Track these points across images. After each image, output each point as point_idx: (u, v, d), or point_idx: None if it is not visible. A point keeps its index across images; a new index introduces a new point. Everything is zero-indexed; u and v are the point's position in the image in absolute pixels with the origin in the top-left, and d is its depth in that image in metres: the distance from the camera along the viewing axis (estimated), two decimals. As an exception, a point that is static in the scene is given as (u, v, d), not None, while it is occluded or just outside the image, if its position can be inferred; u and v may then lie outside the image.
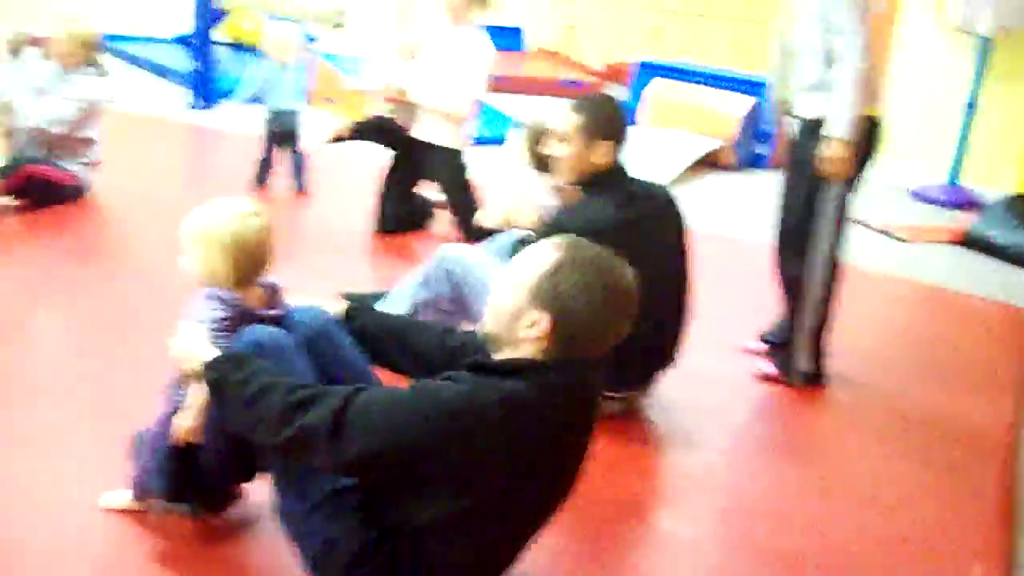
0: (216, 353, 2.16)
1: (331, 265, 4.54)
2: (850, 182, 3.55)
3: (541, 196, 3.65)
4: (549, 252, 2.00)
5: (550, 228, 3.17)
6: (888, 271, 5.52)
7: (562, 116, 3.18)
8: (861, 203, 6.42)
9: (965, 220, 6.28)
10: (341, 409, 1.93)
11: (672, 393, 3.46)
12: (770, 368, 3.80)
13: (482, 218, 3.85)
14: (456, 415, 1.88)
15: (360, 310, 2.51)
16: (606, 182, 3.16)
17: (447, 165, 4.95)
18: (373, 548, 2.04)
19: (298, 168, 5.64)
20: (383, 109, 5.03)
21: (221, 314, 2.27)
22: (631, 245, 3.07)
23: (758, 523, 2.88)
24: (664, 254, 3.26)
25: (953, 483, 3.22)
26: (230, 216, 2.32)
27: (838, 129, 3.44)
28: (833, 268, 3.65)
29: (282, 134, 5.60)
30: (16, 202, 4.74)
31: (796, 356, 3.71)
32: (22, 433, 2.90)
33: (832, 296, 3.69)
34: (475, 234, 4.67)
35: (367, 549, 2.04)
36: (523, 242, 3.42)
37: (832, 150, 3.45)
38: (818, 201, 3.55)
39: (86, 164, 4.99)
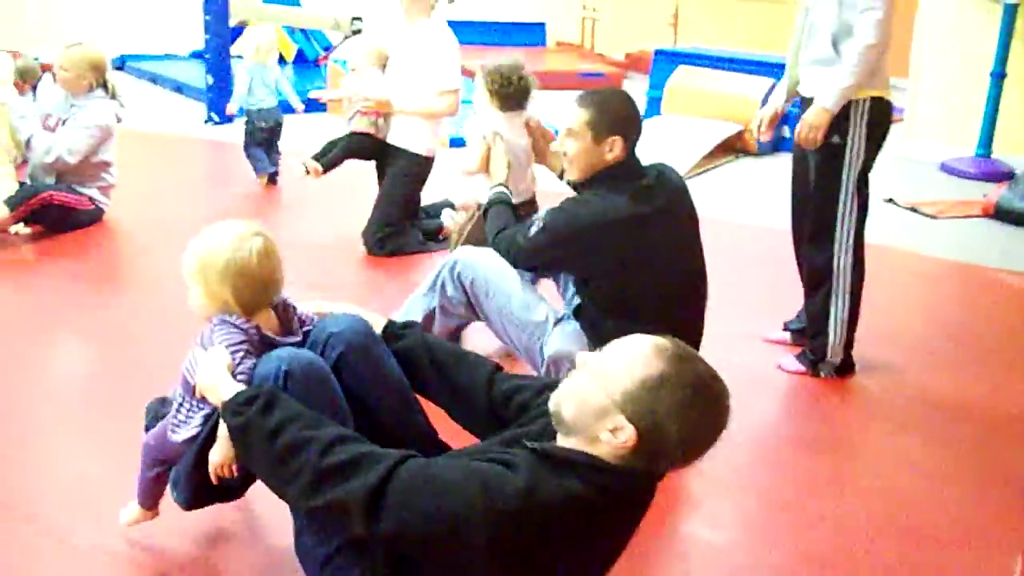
0: (238, 388, 2.02)
1: (333, 274, 4.53)
2: (865, 160, 3.45)
3: (512, 136, 3.55)
4: (653, 359, 1.77)
5: (556, 217, 3.10)
6: (917, 249, 5.39)
7: (570, 111, 3.10)
8: (889, 180, 6.37)
9: (996, 192, 6.13)
10: (382, 482, 1.77)
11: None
12: (795, 365, 3.71)
13: (460, 168, 3.73)
14: (509, 514, 1.71)
15: (405, 330, 2.36)
16: (618, 176, 3.07)
17: (402, 167, 4.84)
18: None
19: (273, 163, 5.92)
20: (364, 124, 4.90)
21: (237, 337, 2.13)
22: (646, 241, 3.05)
23: (784, 524, 2.80)
24: (682, 248, 3.18)
25: (988, 473, 3.10)
26: (226, 242, 2.15)
27: (825, 98, 3.37)
28: (858, 252, 3.56)
29: (265, 130, 5.87)
30: (28, 229, 4.77)
31: (828, 349, 3.61)
32: (36, 461, 2.90)
33: (859, 281, 3.59)
34: (377, 241, 4.79)
35: None
36: (496, 202, 3.34)
37: (812, 116, 3.39)
38: (835, 184, 3.46)
39: (102, 188, 5.00)
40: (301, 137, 6.30)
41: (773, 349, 3.87)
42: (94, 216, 4.97)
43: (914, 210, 6.13)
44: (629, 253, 3.02)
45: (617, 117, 3.06)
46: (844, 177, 3.44)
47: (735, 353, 3.74)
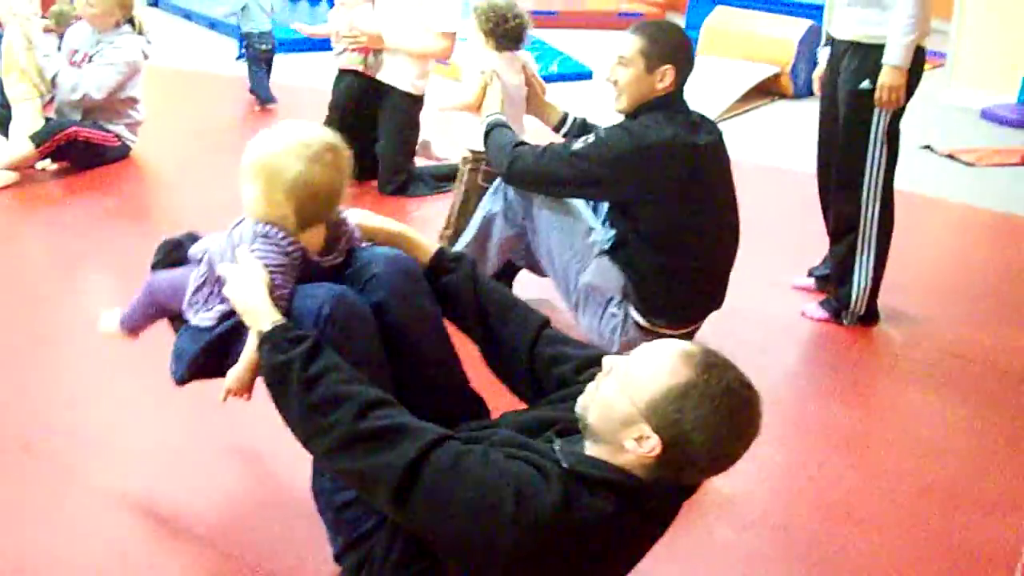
0: (280, 320, 1.91)
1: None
2: (895, 111, 3.37)
3: (508, 78, 3.47)
4: (680, 367, 1.69)
5: (613, 133, 3.03)
6: (953, 197, 5.28)
7: (623, 40, 3.06)
8: (927, 127, 6.24)
9: (1038, 140, 6.00)
10: (416, 464, 1.70)
11: (718, 334, 3.33)
12: (819, 312, 3.66)
13: (453, 101, 3.58)
14: (540, 527, 1.66)
15: (455, 263, 2.22)
16: (668, 107, 3.03)
17: (398, 110, 4.71)
18: (405, 563, 1.91)
19: (264, 85, 6.23)
20: (355, 61, 4.72)
21: (278, 260, 1.98)
22: (699, 172, 3.01)
23: (803, 476, 2.77)
24: (725, 187, 3.16)
25: (1013, 431, 3.03)
26: (299, 152, 1.98)
27: (894, 56, 3.26)
28: (886, 201, 3.49)
29: (261, 53, 6.17)
30: (54, 166, 4.79)
31: (852, 298, 3.56)
32: (64, 401, 2.90)
33: (888, 232, 3.53)
34: (395, 189, 4.73)
35: (399, 562, 1.91)
36: (496, 124, 3.23)
37: (888, 79, 3.28)
38: (864, 131, 3.38)
39: (129, 124, 4.99)
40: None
41: (799, 296, 3.83)
42: (121, 153, 4.96)
43: (952, 157, 6.00)
44: (682, 182, 2.99)
45: (670, 47, 3.02)
46: (874, 124, 3.37)
47: (760, 300, 3.72)
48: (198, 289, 2.15)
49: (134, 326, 2.46)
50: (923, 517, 2.59)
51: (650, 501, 1.75)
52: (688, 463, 1.71)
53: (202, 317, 2.15)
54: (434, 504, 1.70)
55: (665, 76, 2.99)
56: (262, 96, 6.13)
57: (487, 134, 3.24)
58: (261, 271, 1.96)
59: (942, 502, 2.66)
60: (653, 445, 1.68)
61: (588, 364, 2.03)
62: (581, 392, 1.83)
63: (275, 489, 2.54)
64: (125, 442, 2.70)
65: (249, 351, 1.98)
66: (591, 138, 3.03)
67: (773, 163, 5.63)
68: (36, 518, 2.37)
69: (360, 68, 4.73)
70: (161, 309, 2.35)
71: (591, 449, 1.78)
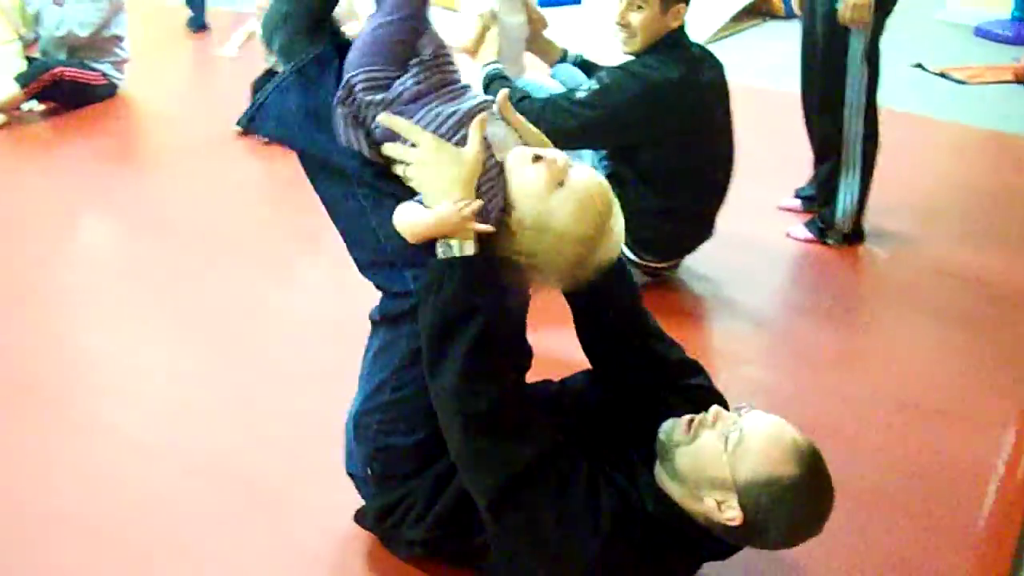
0: (475, 249, 1.75)
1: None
2: (874, 27, 3.34)
3: (508, 17, 3.35)
4: (789, 461, 1.68)
5: (618, 77, 2.99)
6: (944, 116, 5.25)
7: None
8: (920, 45, 6.18)
9: (1031, 56, 5.94)
10: (528, 471, 1.69)
11: (704, 255, 3.35)
12: (804, 233, 3.68)
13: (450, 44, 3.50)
14: (618, 567, 1.71)
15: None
16: (673, 44, 3.01)
17: None
18: (451, 518, 1.93)
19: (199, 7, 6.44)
20: None
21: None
22: (703, 109, 3.01)
23: (786, 394, 2.80)
24: (726, 123, 3.16)
25: (995, 348, 3.05)
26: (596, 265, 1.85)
27: None
28: (869, 121, 3.48)
29: None
30: (42, 106, 4.77)
31: (837, 218, 3.57)
32: (65, 342, 2.94)
33: (872, 151, 3.53)
34: None
35: (442, 514, 1.93)
36: (495, 77, 3.12)
37: None
38: (842, 51, 3.36)
39: (115, 63, 4.97)
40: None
41: (785, 217, 3.84)
42: (108, 91, 4.95)
43: (944, 76, 5.96)
44: (688, 123, 2.99)
45: None
46: (853, 44, 3.34)
47: (747, 221, 3.72)
48: (356, 124, 1.85)
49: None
50: (903, 434, 2.63)
51: (712, 552, 1.84)
52: (755, 540, 1.76)
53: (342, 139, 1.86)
54: (530, 515, 1.71)
55: (679, 14, 2.98)
56: (192, 24, 6.36)
57: (486, 88, 3.13)
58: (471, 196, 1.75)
59: (923, 420, 2.69)
60: (733, 517, 1.70)
61: (675, 372, 2.00)
62: (654, 408, 1.86)
63: (292, 431, 2.54)
64: (129, 381, 2.73)
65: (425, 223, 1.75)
66: (595, 84, 2.98)
67: (763, 84, 5.60)
68: (57, 463, 2.40)
69: None
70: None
71: (667, 483, 1.79)
